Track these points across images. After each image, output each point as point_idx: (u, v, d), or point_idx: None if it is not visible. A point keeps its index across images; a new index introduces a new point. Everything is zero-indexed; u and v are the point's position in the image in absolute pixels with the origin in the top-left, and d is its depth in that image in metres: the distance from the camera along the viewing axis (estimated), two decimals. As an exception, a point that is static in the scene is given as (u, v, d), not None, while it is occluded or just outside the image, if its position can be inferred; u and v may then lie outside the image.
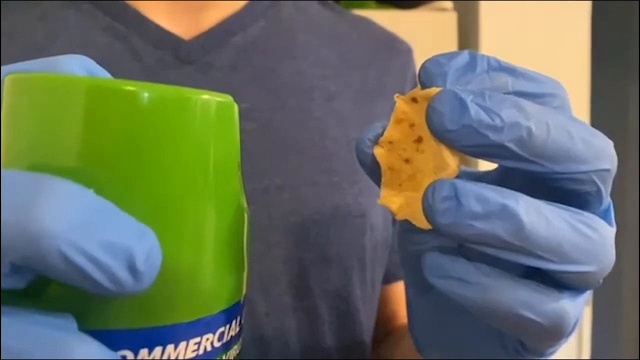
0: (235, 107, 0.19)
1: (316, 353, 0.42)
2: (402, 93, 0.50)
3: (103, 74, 0.20)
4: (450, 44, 1.09)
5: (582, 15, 1.13)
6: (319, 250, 0.41)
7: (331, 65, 0.47)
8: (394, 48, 0.51)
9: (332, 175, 0.42)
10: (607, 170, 0.19)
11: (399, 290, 0.51)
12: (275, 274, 0.40)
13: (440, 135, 0.18)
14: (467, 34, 1.14)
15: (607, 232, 0.20)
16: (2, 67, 0.19)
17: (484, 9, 1.11)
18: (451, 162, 0.18)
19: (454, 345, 0.26)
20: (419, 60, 0.53)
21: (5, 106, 0.17)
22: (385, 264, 0.48)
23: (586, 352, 1.18)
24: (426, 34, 1.02)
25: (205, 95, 0.18)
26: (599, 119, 1.03)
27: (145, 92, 0.16)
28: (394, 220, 0.48)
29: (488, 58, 0.19)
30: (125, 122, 0.16)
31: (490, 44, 1.09)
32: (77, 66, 0.19)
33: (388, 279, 0.50)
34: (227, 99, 0.19)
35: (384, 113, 0.48)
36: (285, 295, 0.41)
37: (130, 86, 0.16)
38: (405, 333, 0.47)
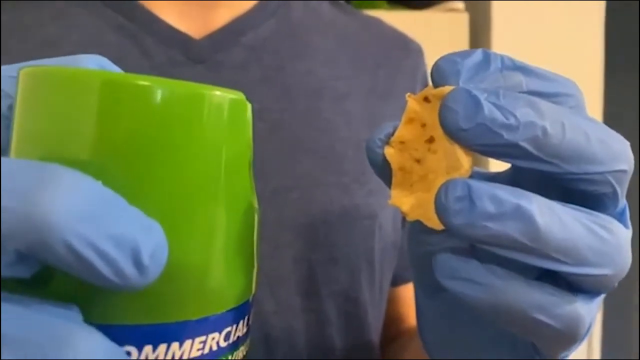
0: (248, 105, 0.19)
1: (323, 354, 0.42)
2: (413, 93, 0.50)
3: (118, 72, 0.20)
4: (461, 44, 1.09)
5: (595, 15, 1.12)
6: (328, 251, 0.41)
7: (341, 66, 0.46)
8: (405, 48, 0.51)
9: (342, 176, 0.42)
10: (624, 171, 0.19)
11: (407, 292, 0.51)
12: (284, 274, 0.40)
13: (454, 134, 0.18)
14: (479, 34, 1.14)
15: (623, 234, 0.19)
16: (17, 65, 0.19)
17: (496, 9, 1.11)
18: (464, 161, 0.18)
19: (463, 347, 0.25)
20: (430, 61, 0.52)
21: (19, 99, 0.17)
22: (394, 265, 0.48)
23: (596, 352, 1.17)
24: (438, 35, 1.02)
25: (218, 92, 0.18)
26: (612, 119, 1.02)
27: (158, 87, 0.16)
28: (403, 222, 0.48)
29: (502, 57, 0.19)
30: (137, 116, 0.16)
31: (502, 45, 1.09)
32: (93, 65, 0.20)
33: (397, 281, 0.50)
34: (240, 96, 0.19)
35: (394, 114, 0.47)
36: (293, 296, 0.41)
37: (143, 81, 0.16)
38: (414, 335, 0.47)
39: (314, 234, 0.41)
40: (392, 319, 0.50)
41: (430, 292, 0.26)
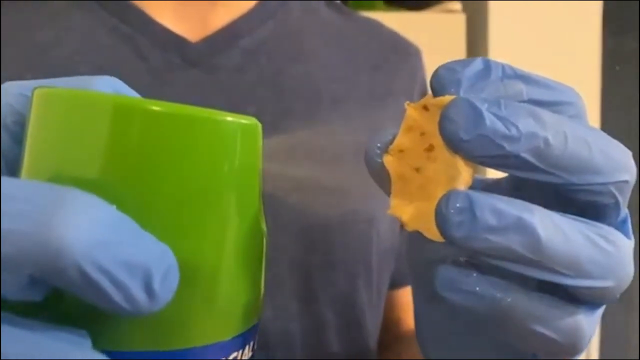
0: (260, 130, 0.19)
1: (321, 358, 0.42)
2: (411, 96, 0.50)
3: (131, 94, 0.20)
4: (458, 45, 1.08)
5: (592, 17, 1.12)
6: (325, 255, 0.41)
7: (339, 68, 0.46)
8: (403, 50, 0.51)
9: (340, 180, 0.42)
10: (626, 181, 0.19)
11: (405, 295, 0.51)
12: (281, 280, 0.40)
13: (454, 145, 0.17)
14: (476, 35, 1.13)
15: (625, 245, 0.19)
16: (31, 83, 0.19)
17: (493, 10, 1.11)
18: (464, 172, 0.18)
19: (462, 352, 0.25)
20: (427, 61, 0.52)
21: (32, 118, 0.17)
22: (392, 269, 0.47)
23: (594, 353, 1.17)
24: (435, 36, 1.02)
25: (230, 117, 0.17)
26: (609, 124, 1.02)
27: (170, 112, 0.16)
28: (402, 226, 0.48)
29: (503, 65, 0.19)
30: (148, 141, 0.16)
31: (499, 46, 1.08)
32: (106, 86, 0.19)
33: (395, 284, 0.49)
34: (252, 121, 0.19)
35: (392, 116, 0.47)
36: (291, 300, 0.40)
37: (155, 106, 0.16)
38: (411, 340, 0.46)
39: (312, 238, 0.41)
40: (389, 323, 0.50)
41: (429, 298, 0.26)
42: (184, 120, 0.16)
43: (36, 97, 0.17)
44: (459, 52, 1.07)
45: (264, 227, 0.20)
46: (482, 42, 1.12)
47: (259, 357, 0.39)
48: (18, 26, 0.42)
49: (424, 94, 0.51)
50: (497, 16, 1.10)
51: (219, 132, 0.17)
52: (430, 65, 0.53)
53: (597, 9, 1.12)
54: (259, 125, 0.19)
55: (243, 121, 0.18)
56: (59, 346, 0.14)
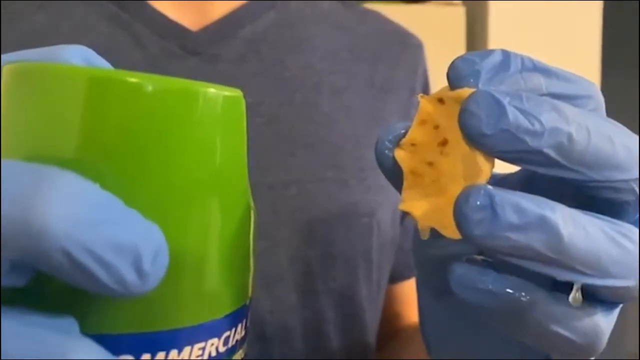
0: (243, 102, 0.19)
1: (320, 352, 0.41)
2: (413, 88, 0.49)
3: (103, 64, 0.20)
4: (458, 37, 1.08)
5: (593, 10, 1.11)
6: (325, 248, 0.40)
7: (340, 59, 0.46)
8: (405, 42, 0.50)
9: (340, 172, 0.41)
10: None
11: (405, 289, 0.50)
12: (280, 272, 0.40)
13: (475, 139, 0.17)
14: (476, 27, 1.13)
15: None
16: (1, 56, 0.18)
17: (493, 2, 1.10)
18: (484, 167, 0.17)
19: (469, 348, 0.25)
20: (427, 54, 0.51)
21: (3, 97, 0.16)
22: (392, 263, 0.47)
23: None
24: (434, 28, 1.01)
25: (212, 89, 0.17)
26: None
27: (148, 84, 0.15)
28: (402, 219, 0.47)
29: (522, 57, 0.18)
30: (127, 114, 0.15)
31: (499, 38, 1.08)
32: (77, 56, 0.19)
33: (394, 278, 0.49)
34: (236, 93, 0.18)
35: (393, 108, 0.47)
36: (290, 294, 0.40)
37: (133, 78, 0.15)
38: (412, 335, 0.46)
39: (311, 231, 0.40)
40: (389, 317, 0.50)
41: (436, 294, 0.26)
42: (163, 92, 0.16)
43: (6, 73, 0.16)
44: (458, 44, 1.07)
45: (251, 202, 0.20)
46: (481, 34, 1.11)
47: (257, 351, 0.39)
48: (13, 13, 0.41)
49: (425, 85, 0.51)
50: (497, 8, 1.09)
51: (202, 104, 0.16)
52: (430, 57, 0.53)
53: (597, 1, 1.12)
54: (243, 97, 0.18)
55: (226, 93, 0.17)
56: (45, 334, 0.13)
